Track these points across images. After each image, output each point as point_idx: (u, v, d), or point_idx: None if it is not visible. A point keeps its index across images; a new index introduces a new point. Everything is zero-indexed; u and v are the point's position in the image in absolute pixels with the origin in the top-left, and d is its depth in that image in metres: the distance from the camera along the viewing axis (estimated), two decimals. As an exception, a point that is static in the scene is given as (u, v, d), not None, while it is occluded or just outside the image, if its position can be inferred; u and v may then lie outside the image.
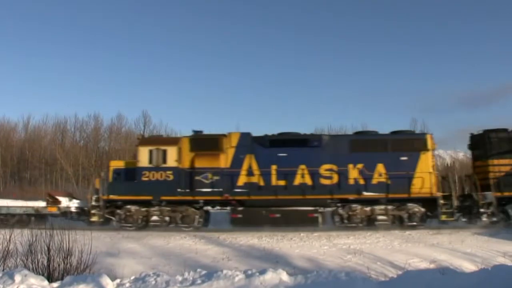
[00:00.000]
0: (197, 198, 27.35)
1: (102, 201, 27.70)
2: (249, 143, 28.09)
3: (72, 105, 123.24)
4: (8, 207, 28.87)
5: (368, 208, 26.99)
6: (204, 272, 10.84)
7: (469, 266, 15.48)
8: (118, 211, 27.58)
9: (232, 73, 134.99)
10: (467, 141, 29.90)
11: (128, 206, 27.55)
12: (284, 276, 10.31)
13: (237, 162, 27.72)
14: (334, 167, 27.44)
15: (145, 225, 27.65)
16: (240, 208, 27.22)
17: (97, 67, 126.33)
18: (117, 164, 30.12)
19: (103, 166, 71.79)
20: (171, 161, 27.53)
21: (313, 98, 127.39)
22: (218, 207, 29.21)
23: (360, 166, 27.40)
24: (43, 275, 11.44)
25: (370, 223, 26.97)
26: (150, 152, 27.59)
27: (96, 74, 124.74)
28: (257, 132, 28.78)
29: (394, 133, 28.75)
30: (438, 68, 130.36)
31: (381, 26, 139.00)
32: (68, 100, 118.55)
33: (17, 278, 10.16)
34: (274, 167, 27.46)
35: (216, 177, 27.33)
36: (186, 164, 27.70)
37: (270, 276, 10.15)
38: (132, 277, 10.95)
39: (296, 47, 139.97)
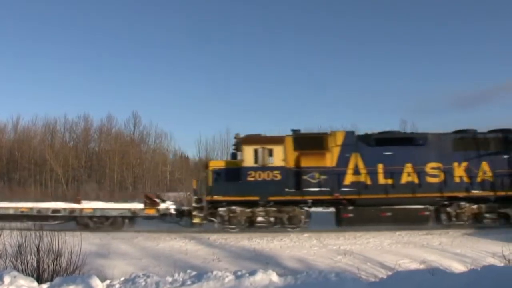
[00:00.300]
0: (306, 198, 27.13)
1: (205, 202, 27.51)
2: (354, 142, 28.00)
3: (61, 105, 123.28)
4: (102, 209, 28.67)
5: (475, 206, 27.16)
6: (194, 273, 10.84)
7: (458, 267, 15.54)
8: (221, 212, 27.23)
9: (225, 74, 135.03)
10: None
11: (233, 207, 27.15)
12: (274, 277, 10.32)
13: (343, 161, 27.53)
14: (440, 165, 27.53)
15: (248, 226, 27.31)
16: (351, 208, 27.07)
17: (87, 67, 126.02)
18: (217, 164, 29.31)
19: (93, 168, 72.16)
20: (278, 161, 27.22)
21: (305, 99, 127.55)
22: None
23: (465, 164, 27.57)
24: (32, 276, 11.42)
25: (476, 221, 27.22)
26: (256, 151, 27.19)
27: (86, 75, 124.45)
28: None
29: (492, 131, 28.87)
30: (431, 69, 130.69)
31: (375, 26, 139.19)
32: (58, 101, 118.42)
33: (6, 279, 10.12)
34: (380, 165, 27.45)
35: (323, 177, 27.07)
36: (290, 163, 27.38)
37: (260, 277, 10.15)
38: (122, 278, 10.94)
39: (290, 47, 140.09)
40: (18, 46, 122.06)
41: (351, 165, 27.42)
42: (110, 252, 20.00)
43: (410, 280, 9.98)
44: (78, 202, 29.24)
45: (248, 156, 27.23)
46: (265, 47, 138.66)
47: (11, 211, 28.31)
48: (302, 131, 29.18)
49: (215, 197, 27.05)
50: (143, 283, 10.37)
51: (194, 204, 27.69)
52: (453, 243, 22.08)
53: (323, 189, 26.94)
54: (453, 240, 22.91)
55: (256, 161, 27.14)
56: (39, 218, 27.57)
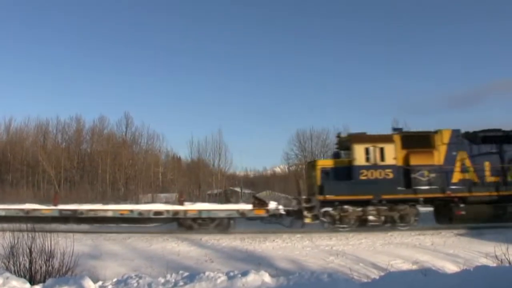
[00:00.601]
0: (418, 196, 27.14)
1: (315, 202, 27.41)
2: (460, 140, 28.14)
3: (54, 107, 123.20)
4: (208, 210, 28.25)
5: None
6: (186, 274, 10.83)
7: (451, 267, 15.56)
8: (331, 211, 27.11)
9: (217, 75, 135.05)
10: None
11: (346, 206, 27.04)
12: (267, 278, 10.31)
13: (450, 159, 27.64)
14: None
15: (358, 225, 27.20)
16: (463, 205, 27.04)
17: (79, 68, 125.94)
18: (325, 163, 29.27)
19: (85, 169, 72.02)
20: (390, 159, 27.28)
21: (295, 100, 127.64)
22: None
23: None
24: (25, 277, 11.39)
25: None
26: (367, 150, 27.26)
27: (78, 76, 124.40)
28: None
29: None
30: (422, 70, 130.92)
31: (368, 29, 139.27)
32: (50, 102, 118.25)
33: (-1, 280, 10.11)
34: (487, 163, 27.59)
35: (432, 175, 27.19)
36: (399, 161, 27.48)
37: (253, 278, 10.14)
38: (114, 279, 10.91)
39: (283, 48, 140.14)
40: (11, 47, 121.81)
41: (458, 163, 27.62)
42: (103, 253, 19.92)
43: (402, 280, 9.99)
44: (181, 203, 29.06)
45: (359, 155, 27.31)
46: (258, 49, 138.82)
47: (109, 214, 28.08)
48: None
49: (328, 197, 27.00)
50: (135, 284, 10.35)
51: (304, 204, 27.57)
52: (446, 243, 22.14)
53: (432, 187, 27.13)
54: (446, 240, 22.97)
55: (367, 159, 27.24)
56: (138, 220, 27.88)
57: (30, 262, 12.07)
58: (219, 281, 10.12)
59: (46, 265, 12.08)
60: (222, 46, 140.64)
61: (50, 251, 12.16)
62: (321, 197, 27.08)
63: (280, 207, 28.39)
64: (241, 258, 19.14)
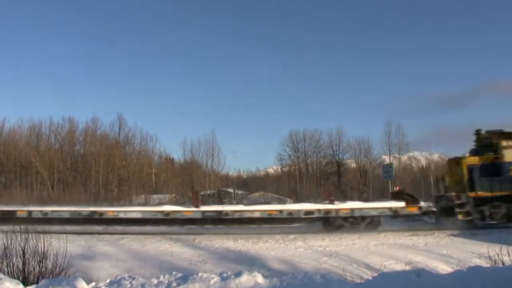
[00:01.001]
0: None
1: (467, 198, 27.58)
2: None
3: (47, 108, 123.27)
4: (361, 209, 28.15)
5: None
6: (179, 275, 10.82)
7: (444, 268, 15.59)
8: (481, 208, 27.33)
9: (211, 76, 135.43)
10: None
11: (497, 203, 27.24)
12: (260, 279, 10.31)
13: None
14: None
15: (507, 221, 27.28)
16: None
17: (72, 69, 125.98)
18: (471, 160, 29.18)
19: (78, 170, 71.94)
20: None
21: (288, 101, 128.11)
22: None
23: None
24: (18, 278, 11.36)
25: None
26: None
27: (71, 77, 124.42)
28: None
29: None
30: (414, 71, 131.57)
31: (362, 28, 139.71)
32: (43, 103, 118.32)
33: (-8, 281, 10.09)
34: None
35: None
36: None
37: (246, 279, 10.15)
38: (108, 280, 10.90)
39: (275, 50, 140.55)
40: (4, 48, 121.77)
41: None
42: (96, 254, 19.87)
43: (395, 281, 10.01)
44: (332, 202, 28.99)
45: (508, 152, 27.70)
46: (252, 50, 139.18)
47: (257, 214, 27.96)
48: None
49: (479, 193, 27.47)
50: (129, 285, 10.34)
51: (456, 201, 27.70)
52: (439, 244, 22.20)
53: None
54: (439, 241, 23.04)
55: None
56: (286, 220, 28.01)
57: (24, 263, 12.04)
58: (212, 282, 10.13)
59: (39, 266, 12.04)
60: (216, 47, 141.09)
61: (43, 252, 12.12)
62: (472, 194, 27.52)
63: (431, 204, 28.62)
64: (235, 259, 19.13)
